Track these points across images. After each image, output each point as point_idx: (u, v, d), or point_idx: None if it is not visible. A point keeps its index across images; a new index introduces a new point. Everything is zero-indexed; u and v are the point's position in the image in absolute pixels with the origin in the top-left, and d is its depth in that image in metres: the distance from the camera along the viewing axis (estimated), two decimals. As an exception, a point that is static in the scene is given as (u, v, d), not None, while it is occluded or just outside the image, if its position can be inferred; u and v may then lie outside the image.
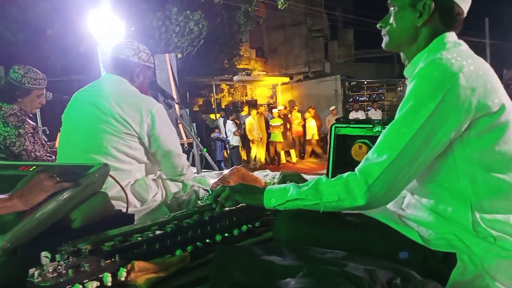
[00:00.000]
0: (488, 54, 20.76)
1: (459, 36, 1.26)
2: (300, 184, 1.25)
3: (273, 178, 2.47)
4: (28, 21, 8.91)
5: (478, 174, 1.11)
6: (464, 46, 1.21)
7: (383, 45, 1.34)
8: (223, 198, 1.37)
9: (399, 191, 1.15)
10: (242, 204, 1.45)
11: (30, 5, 8.58)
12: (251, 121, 11.58)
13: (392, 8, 1.28)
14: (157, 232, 1.32)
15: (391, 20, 1.28)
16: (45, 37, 9.06)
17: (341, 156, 2.33)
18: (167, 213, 1.93)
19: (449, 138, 1.10)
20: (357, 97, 17.46)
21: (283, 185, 1.28)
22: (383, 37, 1.33)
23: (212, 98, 15.15)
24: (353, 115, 13.89)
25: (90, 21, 6.04)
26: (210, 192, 2.05)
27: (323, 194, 1.17)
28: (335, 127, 2.33)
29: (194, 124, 4.80)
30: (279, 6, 11.63)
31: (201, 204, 2.01)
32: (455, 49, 1.17)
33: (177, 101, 3.92)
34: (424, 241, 1.12)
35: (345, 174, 1.16)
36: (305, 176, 1.67)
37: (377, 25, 1.34)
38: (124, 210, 1.68)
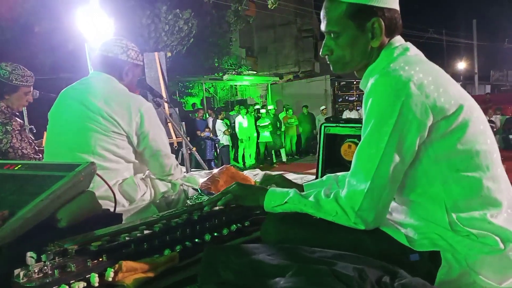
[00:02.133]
0: (475, 55, 21.02)
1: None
2: (301, 193, 1.28)
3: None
4: (16, 19, 8.79)
5: (448, 176, 1.12)
6: (412, 50, 1.22)
7: (334, 71, 1.31)
8: (223, 203, 1.40)
9: (388, 206, 1.18)
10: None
11: (18, 3, 8.47)
12: (241, 121, 11.57)
13: (332, 34, 1.24)
14: (145, 232, 1.31)
15: (338, 46, 1.24)
16: (33, 35, 8.95)
17: (331, 155, 2.34)
18: (155, 212, 1.91)
19: (416, 146, 1.11)
20: (347, 97, 17.57)
21: (285, 190, 1.31)
22: (330, 63, 1.30)
23: (202, 97, 15.11)
24: (346, 114, 13.98)
25: (78, 19, 5.98)
26: (200, 192, 2.04)
27: (321, 207, 1.20)
28: (325, 126, 2.33)
29: (184, 123, 4.77)
30: (269, 6, 11.65)
31: (190, 203, 1.99)
32: (402, 57, 1.18)
33: (166, 99, 3.90)
34: (409, 242, 1.13)
35: (337, 196, 1.17)
36: (289, 176, 1.67)
37: (321, 54, 1.30)
38: (112, 209, 1.67)
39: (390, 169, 1.10)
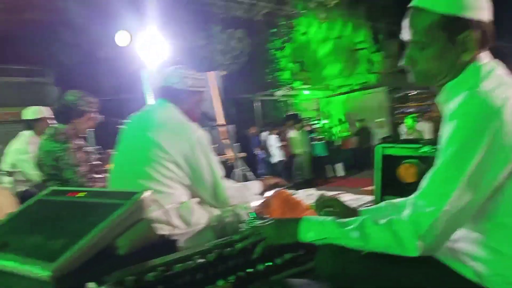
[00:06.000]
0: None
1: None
2: (342, 221, 1.18)
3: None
4: (81, 45, 9.43)
5: None
6: (499, 69, 1.13)
7: (417, 83, 1.23)
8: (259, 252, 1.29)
9: (450, 236, 1.09)
10: None
11: (84, 31, 9.09)
12: (295, 135, 11.52)
13: (418, 45, 1.16)
14: (199, 261, 1.31)
15: (425, 58, 1.16)
16: (96, 60, 9.54)
17: (389, 177, 2.25)
18: (210, 236, 1.94)
19: (501, 179, 1.02)
20: (404, 109, 16.98)
21: (322, 218, 1.22)
22: (410, 72, 1.22)
23: (256, 114, 15.22)
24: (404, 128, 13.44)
25: (137, 43, 6.29)
26: (253, 216, 2.02)
27: (369, 238, 1.11)
28: (382, 147, 2.25)
29: (239, 143, 4.82)
30: (319, 21, 11.63)
31: (244, 228, 1.98)
32: (493, 76, 1.09)
33: (221, 119, 3.97)
34: (479, 277, 1.05)
35: (395, 220, 1.08)
36: (346, 197, 1.61)
37: (402, 64, 1.22)
38: (168, 233, 1.70)
39: (467, 197, 1.02)
